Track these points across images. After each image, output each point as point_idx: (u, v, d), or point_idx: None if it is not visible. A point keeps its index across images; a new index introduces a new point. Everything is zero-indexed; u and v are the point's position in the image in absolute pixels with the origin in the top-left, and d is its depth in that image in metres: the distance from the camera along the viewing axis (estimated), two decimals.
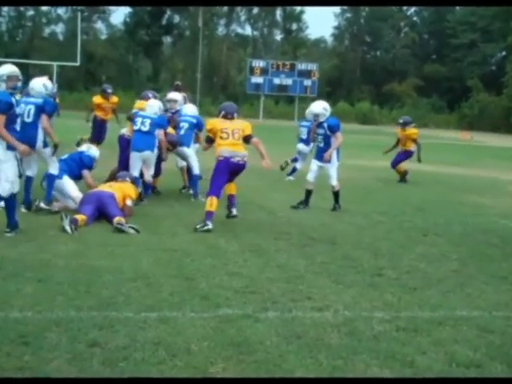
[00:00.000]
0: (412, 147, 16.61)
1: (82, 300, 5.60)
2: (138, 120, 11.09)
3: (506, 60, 70.76)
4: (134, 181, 10.38)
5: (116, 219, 8.64)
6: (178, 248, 7.75)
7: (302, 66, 60.87)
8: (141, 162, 11.05)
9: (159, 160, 11.58)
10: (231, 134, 9.52)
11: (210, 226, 9.00)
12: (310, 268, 7.23)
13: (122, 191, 9.56)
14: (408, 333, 5.28)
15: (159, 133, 11.04)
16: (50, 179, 9.71)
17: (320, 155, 11.37)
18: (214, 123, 9.75)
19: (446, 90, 76.49)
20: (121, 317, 5.23)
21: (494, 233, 10.03)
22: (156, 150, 11.07)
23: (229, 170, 9.49)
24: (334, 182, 11.22)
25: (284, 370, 4.42)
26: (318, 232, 9.33)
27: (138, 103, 13.53)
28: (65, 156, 10.29)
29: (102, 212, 9.05)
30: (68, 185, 9.89)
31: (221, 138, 9.52)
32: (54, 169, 9.66)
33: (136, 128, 11.08)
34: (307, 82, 59.51)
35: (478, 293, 6.60)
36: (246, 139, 9.61)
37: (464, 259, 8.10)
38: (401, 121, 17.20)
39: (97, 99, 17.34)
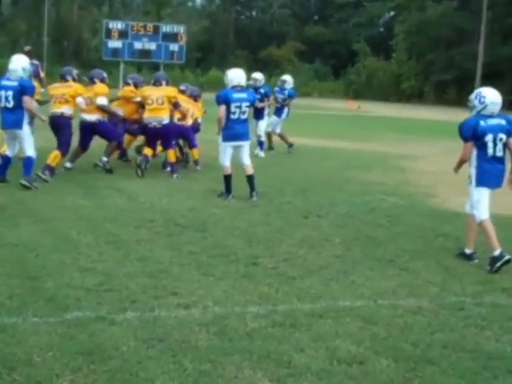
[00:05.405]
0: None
1: None
2: (2, 94, 10.63)
3: (395, 21, 73.15)
4: None
5: None
6: (18, 242, 7.53)
7: (167, 28, 60.23)
8: (13, 140, 10.86)
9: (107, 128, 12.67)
10: (155, 100, 12.40)
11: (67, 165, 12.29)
12: (177, 259, 7.21)
13: None
14: (285, 328, 5.36)
15: (26, 100, 10.64)
16: None
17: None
18: (142, 91, 12.94)
19: (331, 55, 78.31)
20: None
21: (382, 212, 10.36)
22: (27, 127, 10.65)
23: (147, 134, 12.77)
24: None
25: (142, 378, 4.39)
26: (187, 218, 9.31)
27: None
28: None
29: None
30: None
31: (147, 104, 12.49)
32: None
33: (1, 105, 10.67)
34: (173, 47, 58.97)
35: (363, 280, 6.80)
36: (175, 105, 12.59)
37: (348, 243, 8.32)
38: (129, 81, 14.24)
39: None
